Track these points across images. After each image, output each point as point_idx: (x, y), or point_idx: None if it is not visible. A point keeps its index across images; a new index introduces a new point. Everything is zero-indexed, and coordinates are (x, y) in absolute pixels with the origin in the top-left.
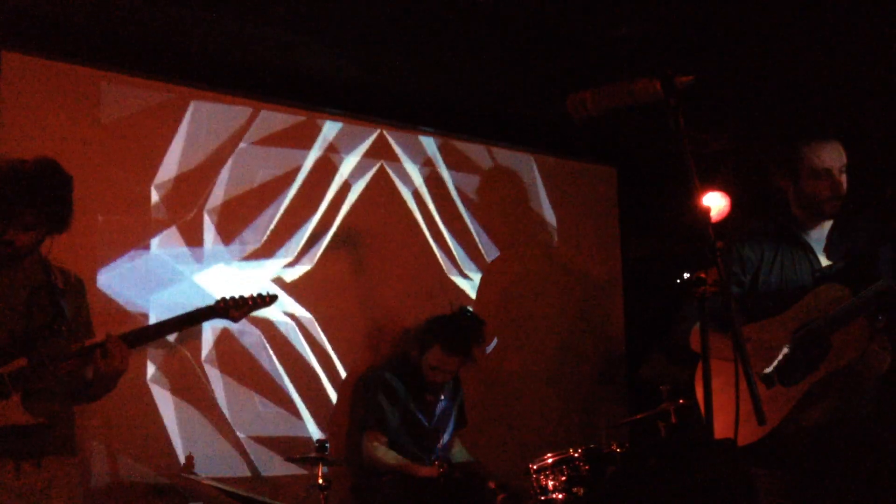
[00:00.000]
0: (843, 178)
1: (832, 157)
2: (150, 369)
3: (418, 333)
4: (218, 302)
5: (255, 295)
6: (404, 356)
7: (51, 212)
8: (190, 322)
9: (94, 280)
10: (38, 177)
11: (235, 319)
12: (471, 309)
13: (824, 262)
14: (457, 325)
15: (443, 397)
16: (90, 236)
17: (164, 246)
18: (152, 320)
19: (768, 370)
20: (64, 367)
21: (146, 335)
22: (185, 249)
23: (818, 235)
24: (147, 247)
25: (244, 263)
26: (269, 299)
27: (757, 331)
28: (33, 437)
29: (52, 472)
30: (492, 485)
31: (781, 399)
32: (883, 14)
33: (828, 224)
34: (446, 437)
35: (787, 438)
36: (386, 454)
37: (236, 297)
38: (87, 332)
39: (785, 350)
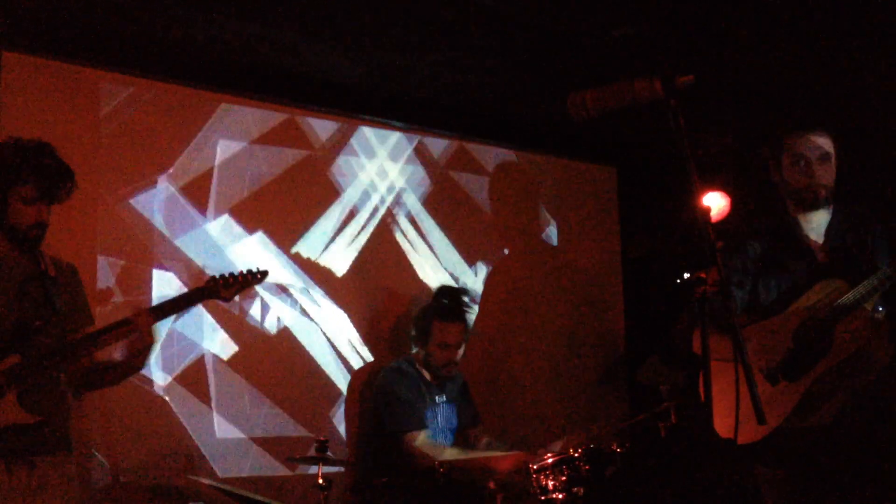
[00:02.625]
0: (825, 168)
1: (812, 145)
2: (150, 367)
3: (414, 329)
4: (208, 281)
5: (244, 272)
6: (408, 359)
7: (47, 178)
8: (183, 304)
9: (94, 280)
10: (19, 150)
11: (227, 299)
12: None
13: (822, 258)
14: (444, 295)
15: (448, 399)
16: (90, 236)
17: (168, 244)
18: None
19: (772, 367)
20: (59, 363)
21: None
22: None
23: (816, 233)
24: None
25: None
26: (259, 276)
27: (758, 331)
28: (25, 437)
29: (45, 470)
30: (492, 485)
31: (787, 395)
32: (884, 12)
33: (824, 219)
34: (450, 436)
35: (792, 437)
36: (444, 450)
37: (226, 275)
38: (86, 318)
39: (788, 345)
